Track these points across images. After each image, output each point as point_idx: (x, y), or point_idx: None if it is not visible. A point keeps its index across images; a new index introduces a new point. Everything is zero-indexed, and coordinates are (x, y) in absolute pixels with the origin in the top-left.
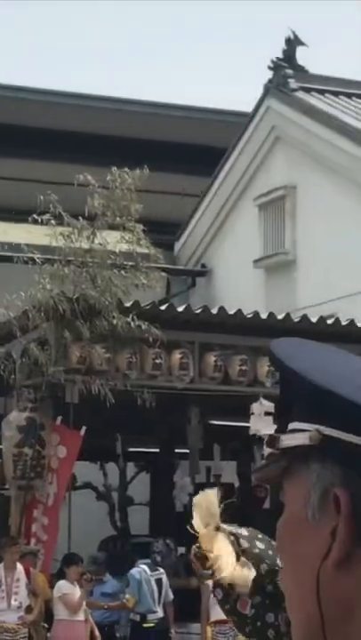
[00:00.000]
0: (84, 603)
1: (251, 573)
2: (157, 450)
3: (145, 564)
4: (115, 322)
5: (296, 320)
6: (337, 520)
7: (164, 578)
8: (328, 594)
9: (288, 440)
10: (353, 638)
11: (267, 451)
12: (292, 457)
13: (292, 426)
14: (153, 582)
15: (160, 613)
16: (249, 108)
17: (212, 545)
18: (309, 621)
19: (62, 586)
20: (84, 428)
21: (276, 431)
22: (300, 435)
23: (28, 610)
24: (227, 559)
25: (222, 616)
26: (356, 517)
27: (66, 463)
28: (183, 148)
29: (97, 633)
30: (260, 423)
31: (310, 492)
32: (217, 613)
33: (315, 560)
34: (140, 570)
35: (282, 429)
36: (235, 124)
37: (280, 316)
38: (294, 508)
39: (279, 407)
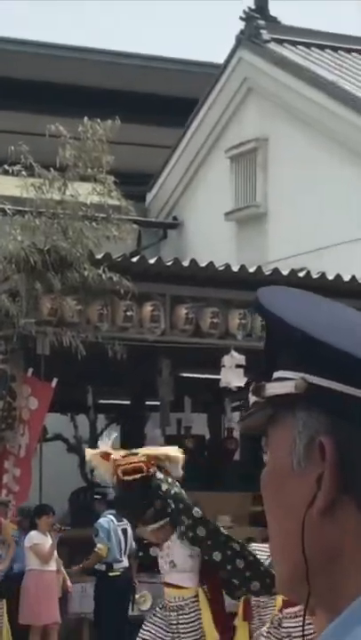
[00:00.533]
0: (55, 553)
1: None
2: (128, 402)
3: (111, 514)
4: (86, 274)
5: (267, 273)
6: (322, 468)
7: (129, 528)
8: (313, 542)
9: (273, 388)
10: (337, 586)
11: (252, 399)
12: (277, 405)
13: (277, 374)
14: (120, 532)
15: (125, 563)
16: (221, 59)
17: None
18: (295, 569)
19: (33, 536)
20: (55, 380)
21: (262, 379)
22: (285, 383)
23: None
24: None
25: None
26: (341, 465)
27: (37, 415)
28: (154, 98)
29: (69, 584)
30: (231, 375)
31: (296, 441)
32: None
33: (300, 508)
34: (108, 519)
35: (267, 378)
36: (207, 75)
37: (251, 269)
38: (279, 456)
39: (265, 355)
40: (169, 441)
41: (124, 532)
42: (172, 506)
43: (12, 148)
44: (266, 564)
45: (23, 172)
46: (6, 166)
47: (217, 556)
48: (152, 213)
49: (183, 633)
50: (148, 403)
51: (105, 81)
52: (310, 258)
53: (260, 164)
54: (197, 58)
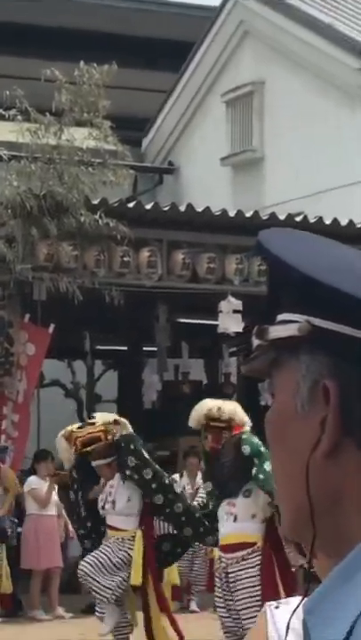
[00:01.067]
0: (55, 497)
1: None
2: (125, 348)
3: None
4: (82, 219)
5: (264, 218)
6: (326, 411)
7: None
8: (317, 484)
9: (277, 331)
10: (341, 529)
11: (255, 342)
12: (280, 349)
13: (281, 317)
14: None
15: None
16: (217, 2)
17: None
18: (299, 512)
19: (32, 481)
20: (52, 326)
21: (265, 322)
22: (289, 326)
23: None
24: None
25: None
26: (345, 408)
27: (35, 360)
28: (151, 42)
29: (71, 528)
30: (229, 321)
31: (299, 384)
32: None
33: (304, 452)
34: None
35: (271, 321)
36: (203, 18)
37: (248, 214)
38: (283, 399)
39: (268, 298)
40: (167, 386)
41: None
42: (122, 445)
43: (8, 92)
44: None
45: (19, 117)
46: (1, 111)
47: (159, 499)
48: (148, 158)
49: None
50: (145, 349)
51: (101, 25)
52: (307, 202)
53: (256, 108)
54: (193, 1)
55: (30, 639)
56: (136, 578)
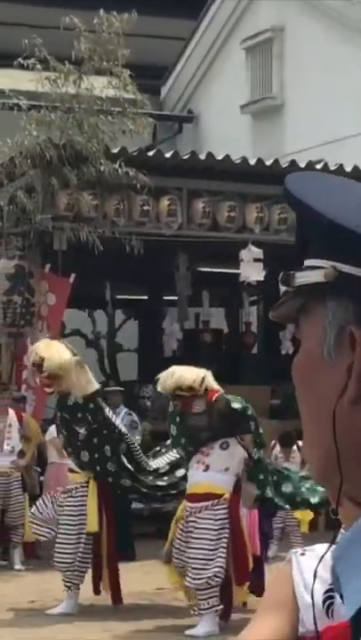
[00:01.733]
0: None
1: None
2: (146, 297)
3: (127, 408)
4: (102, 168)
5: (284, 165)
6: (352, 357)
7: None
8: (344, 430)
9: (303, 277)
10: None
11: (282, 289)
12: (307, 295)
13: (307, 263)
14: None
15: None
16: None
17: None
18: (327, 458)
19: (53, 430)
20: (72, 276)
21: (293, 269)
22: (315, 272)
23: (21, 454)
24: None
25: None
26: None
27: (55, 310)
28: None
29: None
30: (250, 270)
31: (326, 330)
32: None
33: (331, 398)
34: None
35: (298, 267)
36: None
37: (268, 162)
38: (310, 346)
39: (296, 244)
40: (187, 335)
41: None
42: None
43: (27, 41)
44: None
45: (38, 66)
46: (21, 60)
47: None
48: (167, 106)
49: (66, 515)
50: (165, 298)
51: None
52: (328, 150)
53: (275, 54)
54: None
55: (54, 586)
56: (92, 525)
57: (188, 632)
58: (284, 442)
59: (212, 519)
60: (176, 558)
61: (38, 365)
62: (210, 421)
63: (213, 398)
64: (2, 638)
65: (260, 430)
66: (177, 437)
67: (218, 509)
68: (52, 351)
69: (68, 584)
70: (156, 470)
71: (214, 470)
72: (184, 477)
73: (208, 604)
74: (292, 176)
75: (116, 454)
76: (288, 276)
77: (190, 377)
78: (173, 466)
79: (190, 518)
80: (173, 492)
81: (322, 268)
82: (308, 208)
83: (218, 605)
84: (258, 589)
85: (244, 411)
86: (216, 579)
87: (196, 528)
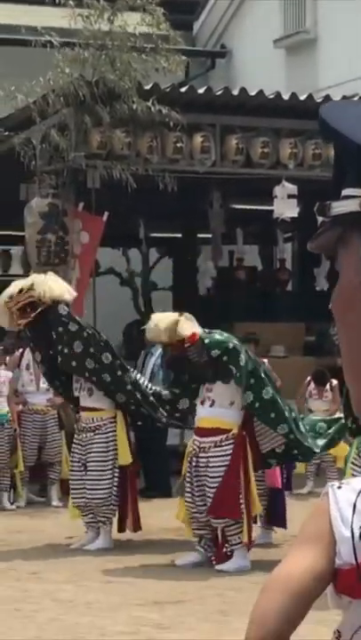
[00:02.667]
0: None
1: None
2: (180, 235)
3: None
4: (135, 106)
5: (319, 100)
6: None
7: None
8: None
9: (339, 207)
10: None
11: (319, 219)
12: (344, 225)
13: (344, 192)
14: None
15: None
16: None
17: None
18: None
19: None
20: (106, 214)
21: (330, 199)
22: (351, 201)
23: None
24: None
25: None
26: None
27: (88, 249)
28: None
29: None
30: (284, 206)
31: None
32: None
33: None
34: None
35: (336, 197)
36: None
37: (302, 97)
38: (349, 276)
39: (333, 174)
40: (221, 273)
41: None
42: (79, 350)
43: None
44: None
45: (71, 2)
46: None
47: (120, 397)
48: (200, 42)
49: (98, 452)
50: (199, 235)
51: None
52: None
53: None
54: None
55: None
56: (125, 457)
57: (218, 567)
58: (317, 379)
59: (222, 456)
60: (187, 493)
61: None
62: (201, 363)
63: (192, 344)
64: (41, 573)
65: (252, 368)
66: (177, 378)
67: (225, 446)
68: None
69: (103, 519)
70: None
71: (220, 405)
72: (188, 409)
73: (238, 539)
74: (328, 105)
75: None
76: (324, 206)
77: (161, 333)
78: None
79: (201, 454)
80: (177, 413)
81: (358, 197)
82: (344, 137)
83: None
84: (280, 522)
85: (220, 357)
86: (241, 513)
87: (209, 467)
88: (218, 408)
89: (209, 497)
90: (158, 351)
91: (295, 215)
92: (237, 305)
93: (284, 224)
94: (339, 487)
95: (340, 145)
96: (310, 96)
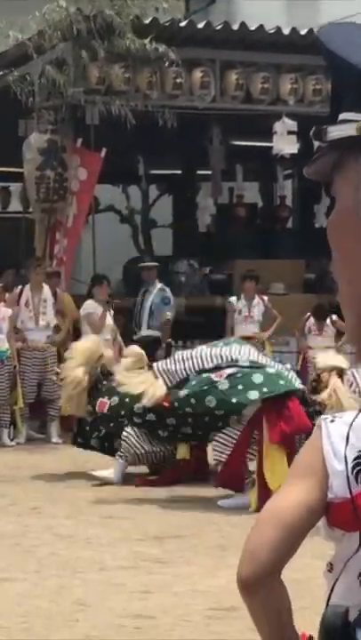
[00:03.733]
0: (110, 321)
1: None
2: (179, 172)
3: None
4: (127, 43)
5: (317, 42)
6: None
7: None
8: None
9: (336, 132)
10: None
11: (315, 144)
12: (341, 150)
13: (341, 117)
14: None
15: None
16: None
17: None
18: (360, 314)
19: (87, 306)
20: (104, 150)
21: (328, 123)
22: (347, 125)
23: (56, 329)
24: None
25: (246, 333)
26: None
27: (86, 185)
28: None
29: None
30: (283, 142)
31: (358, 187)
32: (241, 330)
33: None
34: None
35: (332, 121)
36: None
37: (303, 32)
38: (345, 203)
39: (330, 99)
40: (221, 210)
41: None
42: None
43: None
44: None
45: None
46: None
47: None
48: None
49: None
50: (199, 172)
51: None
52: None
53: None
54: None
55: (91, 458)
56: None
57: (220, 502)
58: (317, 314)
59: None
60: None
61: None
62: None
63: None
64: (41, 508)
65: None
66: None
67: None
68: None
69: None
70: None
71: None
72: None
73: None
74: (326, 27)
75: None
76: (320, 130)
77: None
78: None
79: None
80: None
81: (355, 121)
82: (341, 59)
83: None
84: None
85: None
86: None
87: None
88: None
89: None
90: (156, 288)
91: (295, 151)
92: (237, 242)
93: (284, 161)
94: (332, 420)
95: (338, 68)
96: (311, 31)
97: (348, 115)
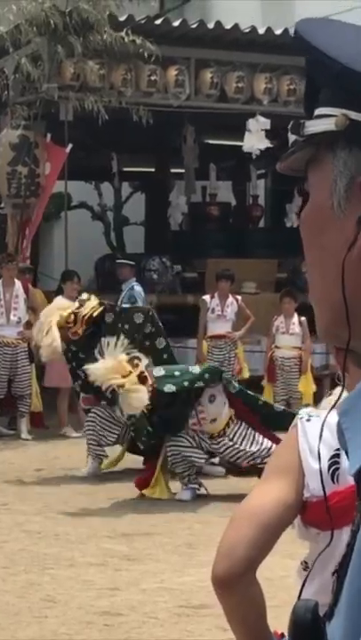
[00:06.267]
0: None
1: None
2: (153, 169)
3: (138, 282)
4: (105, 37)
5: (294, 35)
6: None
7: None
8: (353, 285)
9: (313, 126)
10: None
11: (291, 138)
12: (317, 145)
13: (318, 111)
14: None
15: None
16: None
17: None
18: (334, 312)
19: (59, 302)
20: (70, 145)
21: (303, 118)
22: (325, 120)
23: (28, 325)
24: None
25: (219, 331)
26: None
27: (49, 179)
28: None
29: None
30: (254, 139)
31: (336, 181)
32: (214, 329)
33: (340, 251)
34: (141, 288)
35: (308, 116)
36: None
37: (278, 31)
38: (319, 197)
39: (306, 92)
40: (194, 208)
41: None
42: None
43: None
44: None
45: None
46: None
47: None
48: None
49: None
50: (172, 170)
51: None
52: (341, 18)
53: None
54: None
55: (61, 455)
56: None
57: (177, 496)
58: (284, 294)
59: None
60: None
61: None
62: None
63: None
64: (10, 505)
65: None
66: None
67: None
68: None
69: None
70: None
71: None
72: None
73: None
74: (304, 20)
75: None
76: (298, 124)
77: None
78: None
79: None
80: None
81: (332, 116)
82: (319, 52)
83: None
84: None
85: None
86: None
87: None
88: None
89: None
90: (128, 287)
91: (264, 148)
92: (210, 241)
93: (257, 160)
94: (308, 419)
95: (315, 62)
96: (286, 30)
97: (324, 109)
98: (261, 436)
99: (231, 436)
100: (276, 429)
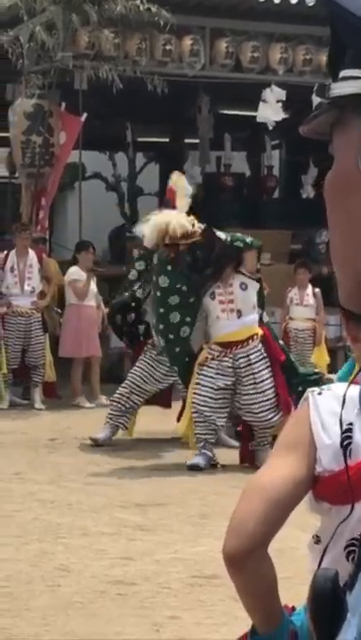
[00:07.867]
0: (94, 288)
1: None
2: (167, 140)
3: None
4: (119, 8)
5: (310, 4)
6: None
7: None
8: None
9: (338, 88)
10: None
11: (315, 100)
12: (342, 107)
13: (343, 73)
14: None
15: None
16: None
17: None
18: (356, 279)
19: (72, 272)
20: (84, 115)
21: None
22: (351, 82)
23: (41, 295)
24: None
25: None
26: None
27: (64, 149)
28: None
29: (107, 322)
30: (269, 110)
31: None
32: None
33: None
34: None
35: (333, 78)
36: None
37: (294, 1)
38: (344, 161)
39: (331, 54)
40: (209, 178)
41: None
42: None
43: None
44: None
45: None
46: None
47: None
48: None
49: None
50: (187, 140)
51: None
52: None
53: None
54: None
55: (74, 425)
56: None
57: (189, 462)
58: (299, 265)
59: (261, 359)
60: (208, 398)
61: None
62: (206, 258)
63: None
64: (23, 474)
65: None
66: (171, 287)
67: (260, 349)
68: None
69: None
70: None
71: (246, 314)
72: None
73: (267, 440)
74: None
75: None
76: (323, 86)
77: (183, 226)
78: None
79: (241, 367)
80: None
81: (359, 78)
82: (345, 10)
83: None
84: None
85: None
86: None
87: (255, 374)
88: (245, 317)
89: (261, 401)
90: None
91: (279, 119)
92: (223, 211)
93: (272, 131)
94: (319, 393)
95: (340, 21)
96: (302, 0)
97: (350, 71)
98: (270, 392)
99: (252, 352)
100: (294, 383)
